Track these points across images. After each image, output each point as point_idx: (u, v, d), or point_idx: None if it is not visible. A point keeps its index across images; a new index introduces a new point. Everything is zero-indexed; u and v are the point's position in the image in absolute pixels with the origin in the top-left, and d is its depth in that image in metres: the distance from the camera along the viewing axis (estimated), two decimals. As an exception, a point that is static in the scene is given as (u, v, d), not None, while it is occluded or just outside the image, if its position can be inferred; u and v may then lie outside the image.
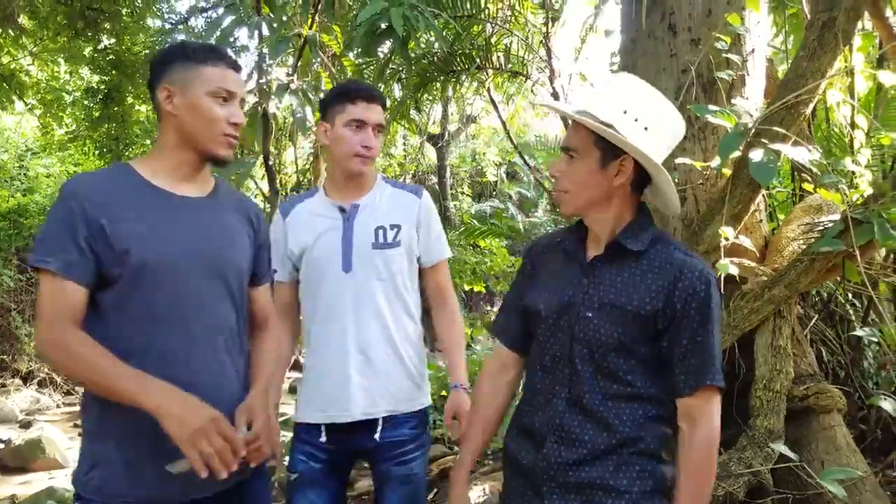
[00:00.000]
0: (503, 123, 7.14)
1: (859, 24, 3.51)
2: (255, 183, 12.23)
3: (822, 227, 3.43)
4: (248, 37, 10.13)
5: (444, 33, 5.35)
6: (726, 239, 3.11)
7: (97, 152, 10.98)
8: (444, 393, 5.22)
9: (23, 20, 9.08)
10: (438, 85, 6.61)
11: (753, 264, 3.40)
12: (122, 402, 1.62)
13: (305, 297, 2.44)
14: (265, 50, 4.34)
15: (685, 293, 1.61)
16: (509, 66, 6.10)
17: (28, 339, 10.73)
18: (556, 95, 5.52)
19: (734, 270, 3.15)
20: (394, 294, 2.36)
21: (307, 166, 13.76)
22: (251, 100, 4.68)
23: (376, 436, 2.30)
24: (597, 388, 1.66)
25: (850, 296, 4.11)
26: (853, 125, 4.14)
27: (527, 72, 6.06)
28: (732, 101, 3.44)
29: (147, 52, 10.09)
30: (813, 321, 3.80)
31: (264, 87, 4.42)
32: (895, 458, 3.60)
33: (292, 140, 12.86)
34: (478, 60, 5.96)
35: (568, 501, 1.66)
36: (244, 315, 1.95)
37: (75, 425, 8.70)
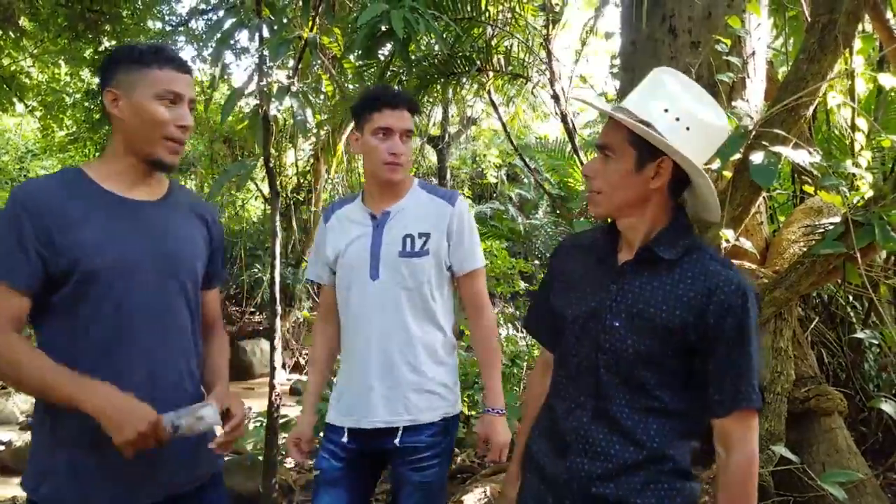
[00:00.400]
0: (503, 125, 7.14)
1: (860, 27, 3.51)
2: (256, 185, 12.24)
3: (822, 230, 3.43)
4: (248, 39, 10.14)
5: (445, 35, 5.35)
6: (727, 241, 3.11)
7: (97, 154, 10.98)
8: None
9: (23, 22, 9.08)
10: (439, 87, 6.61)
11: (754, 266, 3.41)
12: (63, 406, 1.63)
13: (339, 303, 2.44)
14: (266, 52, 4.34)
15: (720, 308, 1.51)
16: (510, 68, 6.10)
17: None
18: (556, 98, 5.52)
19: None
20: (420, 303, 2.32)
21: (307, 168, 13.76)
22: (252, 102, 4.68)
23: (396, 440, 2.29)
24: (623, 401, 1.58)
25: (850, 298, 4.11)
26: (854, 127, 4.14)
27: (527, 74, 6.06)
28: (733, 103, 3.44)
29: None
30: (814, 323, 3.80)
31: (265, 89, 4.42)
32: (896, 460, 3.60)
33: (293, 142, 12.87)
34: (478, 63, 5.96)
35: None
36: (199, 318, 1.94)
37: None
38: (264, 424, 4.79)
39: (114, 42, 9.53)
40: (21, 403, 9.87)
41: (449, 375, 2.40)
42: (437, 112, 11.75)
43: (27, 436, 7.69)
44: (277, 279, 4.57)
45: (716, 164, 3.27)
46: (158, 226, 1.82)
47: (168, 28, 10.63)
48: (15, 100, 10.19)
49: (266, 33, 4.28)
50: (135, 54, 1.77)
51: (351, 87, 7.65)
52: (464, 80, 6.37)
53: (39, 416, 1.76)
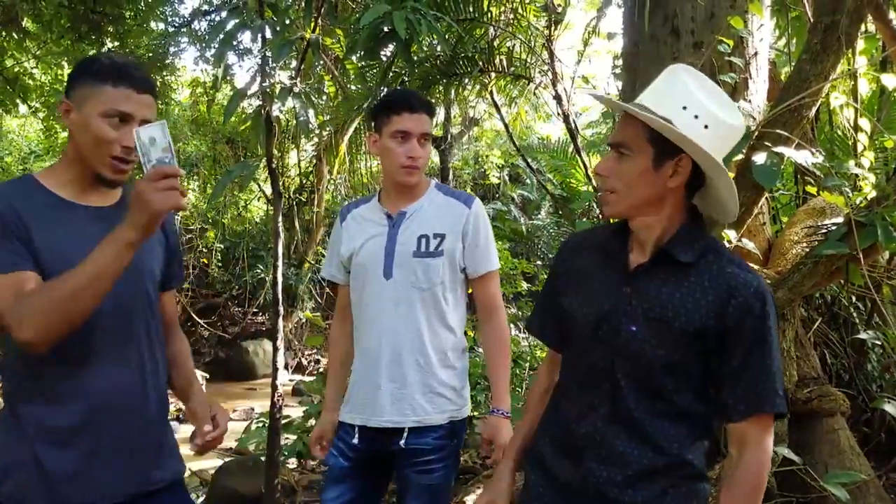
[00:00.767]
0: (506, 126, 7.14)
1: (862, 27, 3.51)
2: (259, 185, 12.24)
3: (825, 230, 3.42)
4: (251, 40, 10.15)
5: (447, 36, 5.35)
6: (729, 242, 3.11)
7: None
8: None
9: (27, 23, 9.09)
10: (441, 88, 6.61)
11: (757, 267, 3.40)
12: (32, 399, 1.67)
13: (353, 301, 2.46)
14: (268, 53, 4.34)
15: (738, 311, 1.48)
16: (512, 69, 6.10)
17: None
18: (558, 98, 5.52)
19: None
20: (432, 304, 2.33)
21: (310, 169, 13.76)
22: (254, 103, 4.68)
23: (402, 442, 2.30)
24: (642, 406, 1.54)
25: (853, 299, 4.10)
26: (856, 128, 4.14)
27: (529, 74, 6.06)
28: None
29: (150, 55, 10.11)
30: (816, 324, 3.80)
31: (267, 90, 4.42)
32: (899, 461, 3.60)
33: (295, 143, 12.87)
34: (480, 63, 5.96)
35: None
36: (158, 321, 1.95)
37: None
38: (266, 425, 4.80)
39: (117, 43, 9.55)
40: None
41: (458, 378, 2.40)
42: (440, 113, 11.75)
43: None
44: (280, 280, 4.57)
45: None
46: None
47: (171, 29, 10.64)
48: (18, 101, 10.21)
49: (269, 34, 4.29)
50: (94, 68, 1.75)
51: (353, 87, 7.66)
52: (466, 80, 6.37)
53: (3, 414, 1.77)
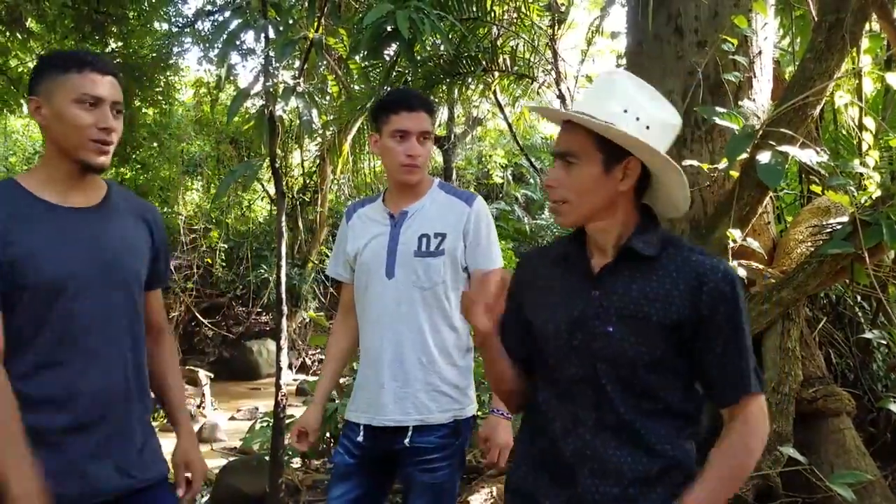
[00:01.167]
0: (509, 126, 7.14)
1: (867, 26, 3.50)
2: (262, 185, 12.25)
3: (830, 230, 3.41)
4: (254, 40, 10.16)
5: (450, 36, 5.35)
6: (734, 241, 3.10)
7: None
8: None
9: (30, 24, 9.11)
10: (444, 87, 6.61)
11: (761, 266, 3.39)
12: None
13: (356, 301, 2.47)
14: (271, 53, 4.35)
15: (711, 297, 1.48)
16: (515, 68, 6.10)
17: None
18: (562, 97, 5.52)
19: (742, 273, 3.14)
20: (434, 303, 2.33)
21: (313, 169, 13.77)
22: (257, 103, 4.69)
23: (406, 441, 2.31)
24: (630, 407, 1.51)
25: (858, 298, 4.09)
26: (861, 127, 4.12)
27: (533, 74, 6.05)
28: (740, 102, 3.43)
29: (154, 55, 10.12)
30: (821, 324, 3.79)
31: (270, 90, 4.42)
32: (905, 461, 3.58)
33: (298, 143, 12.88)
34: (484, 63, 5.96)
35: None
36: (142, 321, 1.95)
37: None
38: (270, 424, 4.80)
39: (120, 44, 9.56)
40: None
41: (461, 377, 2.40)
42: (443, 112, 11.74)
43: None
44: (283, 280, 4.58)
45: (723, 164, 3.26)
46: (96, 234, 1.82)
47: (174, 29, 10.65)
48: (22, 101, 10.22)
49: (272, 34, 4.29)
50: (55, 60, 1.79)
51: (356, 87, 7.66)
52: (469, 80, 6.37)
53: None
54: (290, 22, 4.36)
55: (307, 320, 13.49)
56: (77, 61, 1.77)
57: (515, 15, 6.15)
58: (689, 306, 1.48)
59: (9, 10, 8.44)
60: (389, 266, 2.34)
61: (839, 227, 3.16)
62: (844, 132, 4.64)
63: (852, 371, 3.91)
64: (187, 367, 10.41)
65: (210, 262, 14.75)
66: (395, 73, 5.87)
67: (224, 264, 14.96)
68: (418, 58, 5.48)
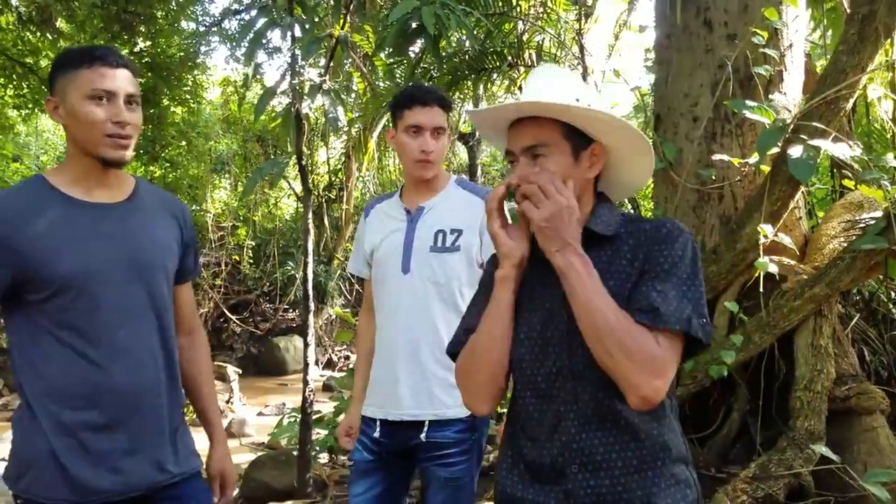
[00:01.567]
0: (535, 121, 7.10)
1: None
2: (288, 183, 12.33)
3: (863, 225, 3.36)
4: (280, 38, 10.22)
5: (476, 31, 5.34)
6: (765, 237, 3.06)
7: (133, 153, 11.14)
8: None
9: (60, 24, 9.25)
10: (469, 84, 6.59)
11: (793, 262, 3.35)
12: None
13: (374, 296, 2.49)
14: (297, 51, 4.37)
15: (648, 242, 1.46)
16: (541, 63, 6.07)
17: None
18: (588, 93, 5.48)
19: (773, 269, 3.10)
20: (449, 299, 2.34)
21: (339, 166, 13.84)
22: (284, 101, 4.72)
23: (422, 435, 2.31)
24: (611, 393, 1.44)
25: (892, 294, 4.03)
26: (895, 120, 4.05)
27: (559, 69, 6.03)
28: (770, 96, 3.39)
29: (182, 54, 10.22)
30: (854, 320, 3.73)
31: (297, 87, 4.45)
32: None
33: (324, 140, 12.95)
34: (509, 58, 5.93)
35: None
36: (172, 317, 1.95)
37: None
38: (298, 420, 4.83)
39: (148, 43, 9.68)
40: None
41: None
42: (468, 109, 11.73)
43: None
44: (310, 276, 4.60)
45: (753, 159, 3.22)
46: (120, 229, 1.83)
47: (202, 29, 10.75)
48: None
49: (298, 32, 4.31)
50: (66, 59, 1.78)
51: (382, 84, 7.67)
52: (494, 76, 6.34)
53: (21, 409, 1.81)
54: (316, 20, 4.38)
55: (333, 317, 13.57)
56: (87, 57, 1.76)
57: (541, 9, 6.12)
58: (639, 269, 1.46)
59: (39, 11, 8.57)
60: (405, 261, 2.35)
61: (872, 222, 3.11)
62: (877, 126, 4.56)
63: (886, 368, 3.85)
64: (216, 363, 10.52)
65: (238, 259, 14.89)
66: (420, 70, 5.86)
67: (251, 261, 15.09)
68: (443, 54, 5.47)
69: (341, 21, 4.59)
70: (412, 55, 5.59)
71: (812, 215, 4.23)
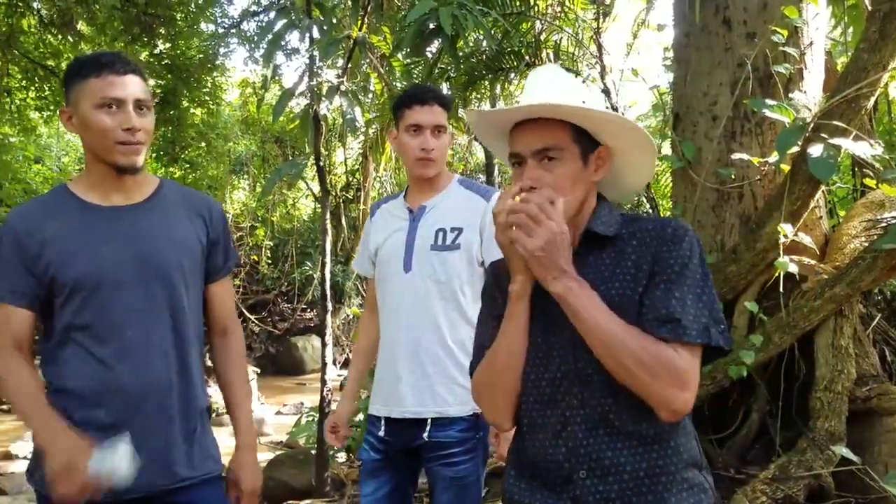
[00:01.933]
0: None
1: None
2: (306, 183, 12.38)
3: (884, 224, 3.33)
4: (299, 40, 10.28)
5: (493, 31, 5.34)
6: (785, 236, 3.04)
7: (154, 155, 11.26)
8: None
9: (81, 26, 9.34)
10: (486, 83, 6.59)
11: (813, 262, 3.33)
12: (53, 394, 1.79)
13: (377, 294, 2.51)
14: (316, 52, 4.39)
15: (657, 243, 1.43)
16: (559, 62, 6.06)
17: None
18: (607, 91, 5.47)
19: (794, 268, 3.08)
20: (450, 297, 2.35)
21: (356, 166, 13.89)
22: (302, 102, 4.74)
23: (425, 434, 2.32)
24: (619, 397, 1.41)
25: (914, 294, 3.99)
26: (917, 118, 4.01)
27: (577, 68, 6.01)
28: (790, 95, 3.37)
29: (201, 56, 10.30)
30: (876, 320, 3.70)
31: (315, 89, 4.47)
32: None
33: (342, 141, 12.99)
34: (527, 58, 5.92)
35: None
36: (194, 314, 1.96)
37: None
38: (316, 419, 4.86)
39: (168, 45, 9.75)
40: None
41: None
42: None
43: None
44: (328, 276, 4.63)
45: (773, 158, 3.20)
46: (135, 230, 1.85)
47: (220, 30, 10.82)
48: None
49: (316, 34, 4.34)
50: (76, 68, 1.80)
51: (399, 84, 7.69)
52: (512, 75, 6.34)
53: None
54: (334, 21, 4.40)
55: (350, 316, 13.61)
56: (95, 65, 1.78)
57: (559, 9, 6.11)
58: (647, 271, 1.43)
59: (60, 14, 8.67)
60: (407, 260, 2.36)
61: (894, 221, 3.08)
62: (899, 124, 4.51)
63: (908, 369, 3.82)
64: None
65: (256, 259, 14.98)
66: (437, 70, 5.87)
67: (270, 261, 15.19)
68: (461, 54, 5.47)
69: (359, 22, 4.61)
70: (429, 55, 5.59)
71: (833, 214, 4.20)
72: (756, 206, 3.45)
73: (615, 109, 5.37)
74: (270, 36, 4.39)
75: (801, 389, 3.23)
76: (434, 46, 4.72)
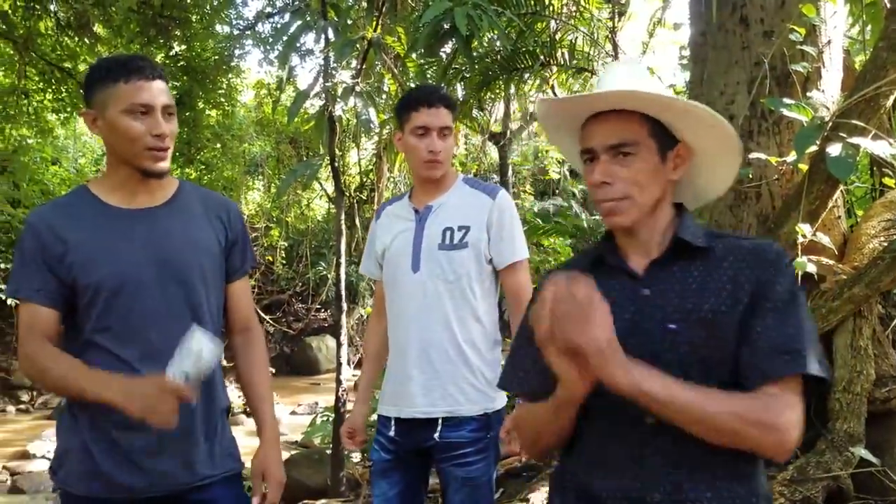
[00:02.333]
0: (567, 121, 7.06)
1: (944, 11, 3.36)
2: (320, 184, 12.42)
3: (904, 224, 3.30)
4: (314, 41, 10.30)
5: (508, 31, 5.33)
6: (803, 236, 3.02)
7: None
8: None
9: (98, 28, 9.41)
10: (501, 84, 6.58)
11: (832, 262, 3.30)
12: (93, 401, 1.74)
13: (386, 296, 2.52)
14: (331, 54, 4.40)
15: (764, 270, 1.34)
16: (574, 62, 6.04)
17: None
18: (621, 91, 5.45)
19: (812, 269, 3.06)
20: (460, 296, 2.35)
21: (370, 167, 13.90)
22: (317, 103, 4.76)
23: (436, 435, 2.32)
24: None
25: (934, 294, 3.95)
26: (937, 117, 3.97)
27: (592, 67, 5.99)
28: (808, 93, 3.34)
29: (216, 57, 10.35)
30: (895, 321, 3.67)
31: (330, 90, 4.48)
32: None
33: (355, 141, 13.01)
34: (542, 57, 5.91)
35: None
36: (214, 315, 1.97)
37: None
38: (331, 419, 4.87)
39: (184, 47, 9.81)
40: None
41: (489, 370, 2.39)
42: (499, 108, 11.72)
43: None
44: (343, 277, 4.64)
45: (791, 157, 3.18)
46: (155, 232, 1.86)
47: (236, 32, 10.87)
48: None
49: (331, 35, 4.35)
50: (103, 72, 1.80)
51: (413, 85, 7.70)
52: (526, 75, 6.32)
53: (65, 404, 1.88)
54: (349, 22, 4.41)
55: (364, 317, 13.64)
56: (124, 70, 1.78)
57: (574, 8, 6.09)
58: (749, 291, 1.34)
59: (77, 16, 8.74)
60: (415, 260, 2.37)
61: (914, 220, 3.05)
62: (919, 123, 4.47)
63: (928, 370, 3.78)
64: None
65: (271, 259, 15.04)
66: (451, 71, 5.87)
67: (284, 262, 15.25)
68: (475, 54, 5.47)
69: (374, 23, 4.62)
70: (443, 56, 5.60)
71: (851, 214, 4.16)
72: (774, 205, 3.43)
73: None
74: (285, 38, 4.41)
75: (820, 390, 3.21)
76: (448, 47, 4.72)
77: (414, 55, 6.17)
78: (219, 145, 12.63)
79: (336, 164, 4.73)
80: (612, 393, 1.27)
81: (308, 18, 4.28)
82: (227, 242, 2.00)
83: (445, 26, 3.70)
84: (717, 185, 1.53)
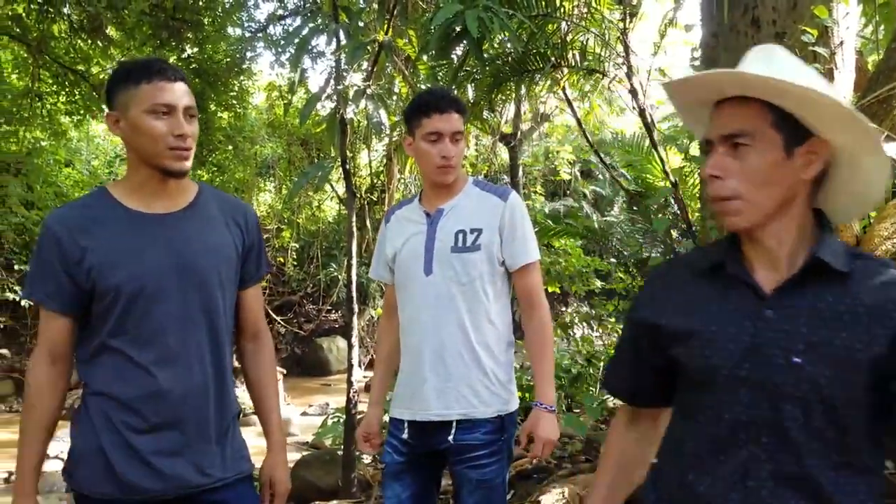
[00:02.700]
0: (578, 121, 7.06)
1: (958, 12, 3.35)
2: (331, 186, 12.45)
3: (918, 226, 3.28)
4: (325, 43, 10.33)
5: (519, 33, 5.33)
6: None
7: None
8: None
9: (110, 31, 9.47)
10: (512, 85, 6.57)
11: (844, 264, 3.28)
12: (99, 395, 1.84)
13: (398, 299, 2.52)
14: (342, 56, 4.42)
15: None
16: (585, 63, 6.02)
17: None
18: (633, 92, 5.43)
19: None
20: (473, 299, 2.35)
21: (381, 169, 13.92)
22: (328, 105, 4.78)
23: (450, 437, 2.33)
24: (819, 461, 1.20)
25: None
26: (951, 117, 3.94)
27: (603, 69, 5.97)
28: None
29: (228, 60, 10.40)
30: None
31: (341, 92, 4.50)
32: None
33: (366, 143, 13.03)
34: (553, 59, 5.90)
35: None
36: (228, 319, 1.98)
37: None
38: (342, 420, 4.89)
39: (196, 49, 9.85)
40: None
41: (503, 372, 2.40)
42: (509, 110, 11.72)
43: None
44: (354, 278, 4.65)
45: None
46: (175, 237, 1.87)
47: (247, 34, 10.92)
48: (104, 106, 10.63)
49: (343, 38, 4.36)
50: (125, 73, 1.83)
51: (424, 87, 7.71)
52: (537, 77, 6.31)
53: (80, 406, 1.90)
54: (361, 25, 4.42)
55: (375, 318, 13.66)
56: (146, 71, 1.80)
57: (585, 9, 6.07)
58: (892, 334, 1.18)
59: (90, 19, 8.79)
60: (427, 263, 2.37)
61: (928, 222, 3.03)
62: (933, 123, 4.43)
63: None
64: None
65: (282, 261, 15.09)
66: (462, 73, 5.87)
67: (295, 263, 15.29)
68: (486, 56, 5.47)
69: (385, 26, 4.63)
70: (455, 58, 5.60)
71: (864, 215, 4.14)
72: (785, 207, 3.41)
73: (641, 111, 5.33)
74: (297, 40, 4.42)
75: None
76: (459, 49, 4.73)
77: (425, 57, 6.18)
78: (230, 147, 12.68)
79: (347, 166, 4.74)
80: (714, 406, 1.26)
81: (319, 21, 4.30)
82: (243, 248, 2.02)
83: (456, 29, 3.70)
84: (868, 192, 1.33)
